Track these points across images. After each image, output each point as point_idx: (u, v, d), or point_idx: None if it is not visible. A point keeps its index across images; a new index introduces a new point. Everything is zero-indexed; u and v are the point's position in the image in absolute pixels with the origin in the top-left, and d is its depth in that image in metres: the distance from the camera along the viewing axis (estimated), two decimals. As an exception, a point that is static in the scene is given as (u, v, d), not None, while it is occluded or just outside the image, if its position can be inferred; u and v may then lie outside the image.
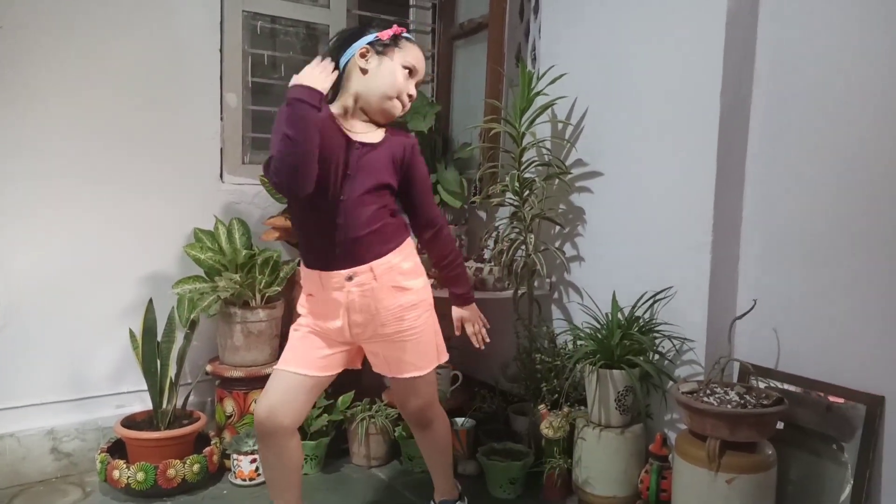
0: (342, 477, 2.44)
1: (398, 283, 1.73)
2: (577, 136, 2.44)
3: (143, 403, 2.48)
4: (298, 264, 1.96)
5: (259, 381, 2.48)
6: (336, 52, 1.74)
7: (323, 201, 1.65)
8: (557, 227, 2.52)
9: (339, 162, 1.65)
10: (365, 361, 1.88)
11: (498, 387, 2.66)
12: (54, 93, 2.37)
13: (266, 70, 2.97)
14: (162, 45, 2.56)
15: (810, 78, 1.89)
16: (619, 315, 2.17)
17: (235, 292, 2.42)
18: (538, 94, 2.38)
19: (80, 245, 2.44)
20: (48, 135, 2.37)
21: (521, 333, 2.45)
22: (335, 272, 1.68)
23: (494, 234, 2.53)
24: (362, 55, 1.71)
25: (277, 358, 2.56)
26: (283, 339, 2.60)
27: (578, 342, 2.26)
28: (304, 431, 2.41)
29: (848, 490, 1.78)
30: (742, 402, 1.77)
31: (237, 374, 2.47)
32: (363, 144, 1.69)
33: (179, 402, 2.43)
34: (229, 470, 2.38)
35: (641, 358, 2.06)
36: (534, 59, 2.75)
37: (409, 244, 1.79)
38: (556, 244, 2.51)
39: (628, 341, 2.09)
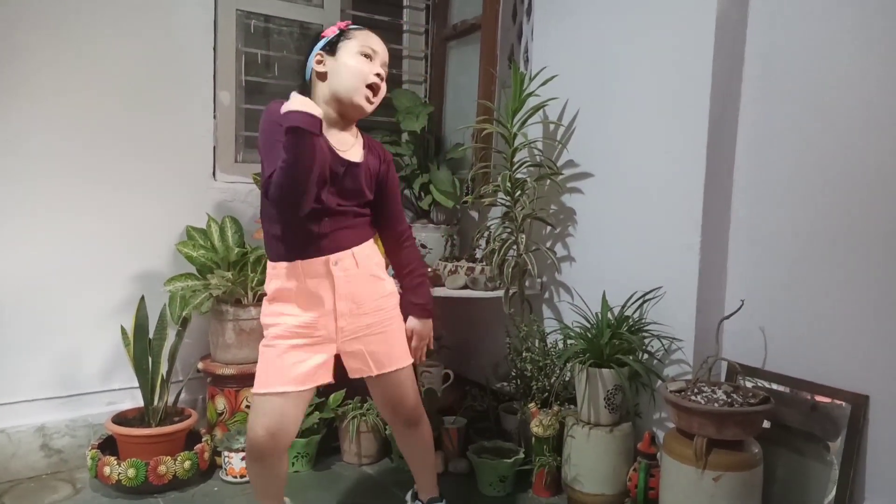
0: (333, 474, 2.45)
1: (375, 272, 1.78)
2: (569, 137, 2.46)
3: (134, 401, 2.48)
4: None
5: (251, 379, 2.46)
6: (301, 73, 1.79)
7: (315, 207, 1.66)
8: (548, 228, 2.54)
9: (332, 178, 1.68)
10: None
11: (489, 386, 2.68)
12: (47, 91, 2.37)
13: (259, 69, 2.97)
14: (156, 43, 2.57)
15: (799, 80, 1.91)
16: (609, 315, 2.19)
17: (227, 290, 2.43)
18: (530, 95, 2.40)
19: (72, 242, 2.44)
20: (40, 132, 2.37)
21: (512, 333, 2.46)
22: (318, 258, 1.68)
23: (486, 234, 2.55)
24: (318, 62, 1.73)
25: (269, 356, 2.60)
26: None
27: (568, 341, 2.28)
28: (295, 429, 2.42)
29: (833, 488, 1.80)
30: (729, 400, 1.79)
31: (229, 371, 2.47)
32: (349, 163, 1.71)
33: (171, 400, 2.43)
34: (220, 467, 2.39)
35: (631, 357, 2.08)
36: (526, 61, 2.77)
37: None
38: (547, 244, 2.53)
39: (618, 341, 2.11)
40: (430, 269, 2.55)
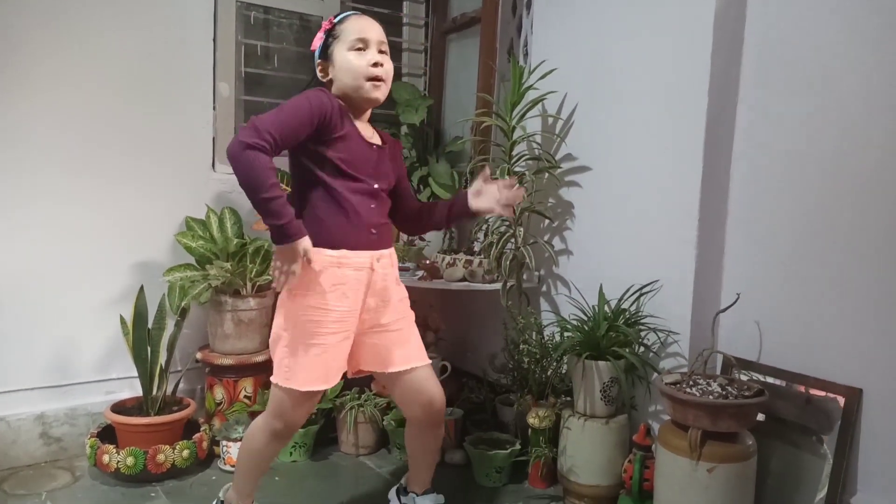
0: (331, 465, 2.47)
1: (397, 276, 1.84)
2: (567, 130, 2.47)
3: (132, 390, 2.50)
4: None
5: (249, 369, 2.51)
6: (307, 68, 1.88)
7: (364, 186, 1.72)
8: (546, 221, 2.55)
9: (369, 160, 1.74)
10: None
11: (486, 378, 2.69)
12: (47, 82, 2.38)
13: (259, 61, 2.98)
14: (155, 35, 2.57)
15: (796, 75, 1.92)
16: (606, 308, 2.20)
17: (226, 280, 2.44)
18: (529, 88, 2.40)
19: (71, 232, 2.45)
20: (40, 124, 2.38)
21: (510, 325, 2.48)
22: (366, 251, 1.72)
23: (484, 228, 2.56)
24: (320, 71, 1.78)
25: (267, 346, 2.61)
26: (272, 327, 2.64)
27: (565, 334, 2.29)
28: (293, 419, 2.44)
29: (826, 481, 1.82)
30: (724, 393, 1.80)
31: (227, 361, 2.49)
32: (378, 147, 1.78)
33: (169, 389, 2.44)
34: (218, 456, 2.40)
35: (627, 350, 2.10)
36: (525, 55, 2.78)
37: None
38: (545, 237, 2.54)
39: (614, 333, 2.12)
40: (427, 261, 2.57)
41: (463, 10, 3.17)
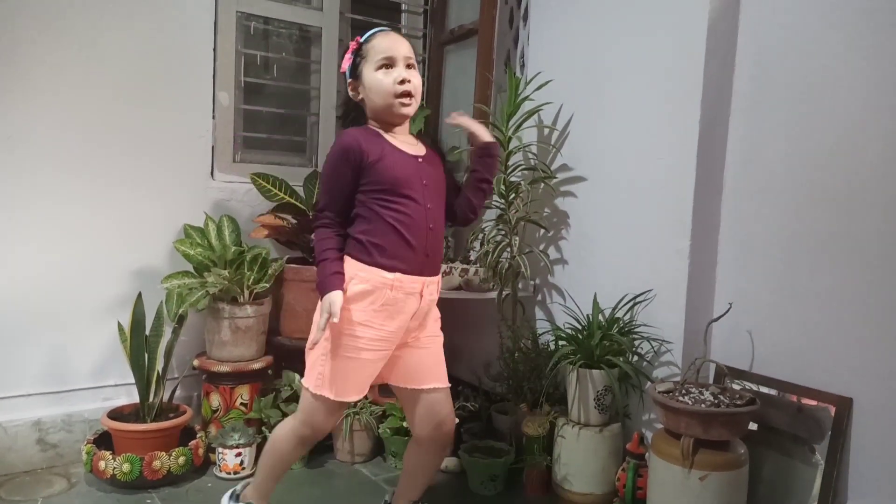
0: (326, 472, 2.48)
1: (436, 299, 1.85)
2: (563, 141, 2.50)
3: (129, 397, 2.50)
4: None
5: (246, 377, 2.52)
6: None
7: (416, 207, 1.73)
8: (542, 231, 2.58)
9: (414, 173, 1.74)
10: None
11: (481, 386, 2.71)
12: (47, 89, 2.40)
13: (258, 70, 3.01)
14: (156, 43, 2.59)
15: (789, 86, 1.95)
16: (600, 317, 2.23)
17: (224, 288, 2.45)
18: (525, 99, 2.43)
19: (71, 239, 2.47)
20: (41, 130, 2.40)
21: (505, 334, 2.49)
22: (417, 277, 1.73)
23: (480, 237, 2.58)
24: (351, 90, 1.81)
25: (264, 354, 2.62)
26: (269, 334, 2.65)
27: (560, 342, 2.31)
28: (289, 426, 2.45)
29: (817, 489, 1.83)
30: (716, 402, 1.82)
31: (224, 368, 2.49)
32: (420, 157, 1.79)
33: (166, 396, 2.45)
34: (214, 463, 2.41)
35: (621, 359, 2.11)
36: (522, 66, 2.81)
37: None
38: (541, 247, 2.56)
39: (608, 342, 2.14)
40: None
41: (461, 21, 3.20)
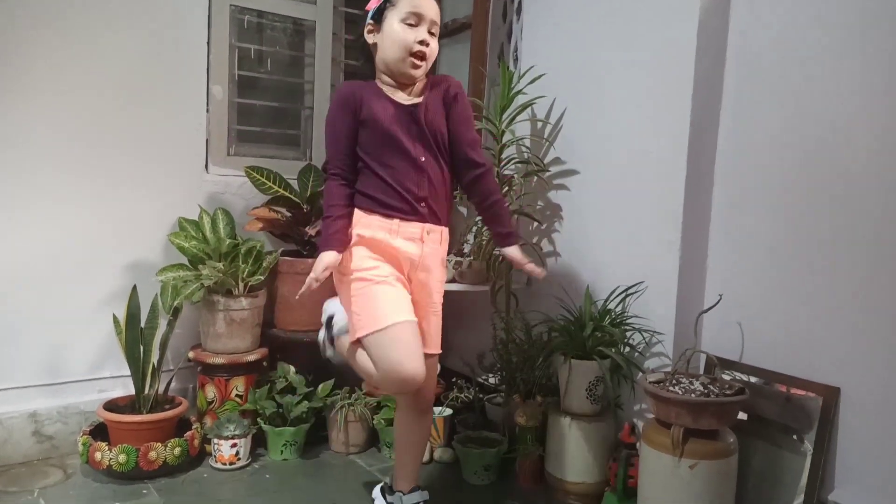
0: (321, 463, 2.50)
1: (444, 258, 1.89)
2: (556, 135, 2.52)
3: (125, 389, 2.51)
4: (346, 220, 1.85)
5: (241, 368, 2.53)
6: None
7: (408, 160, 1.77)
8: (535, 223, 2.59)
9: (406, 127, 1.77)
10: None
11: (474, 377, 2.72)
12: (42, 83, 2.40)
13: (252, 64, 3.01)
14: (150, 37, 2.60)
15: (779, 81, 1.97)
16: (592, 308, 2.24)
17: (219, 280, 2.47)
18: (518, 93, 2.45)
19: (65, 233, 2.48)
20: (35, 124, 2.40)
21: (498, 325, 2.51)
22: (416, 222, 1.78)
23: (474, 229, 2.60)
24: (368, 31, 1.82)
25: (259, 346, 2.64)
26: (264, 327, 2.67)
27: (553, 334, 2.33)
28: (283, 418, 2.47)
29: (805, 478, 1.86)
30: (706, 392, 1.85)
31: (219, 360, 2.51)
32: (414, 106, 1.79)
33: (161, 388, 2.46)
34: (210, 454, 2.43)
35: (612, 350, 2.14)
36: (515, 60, 2.82)
37: None
38: (534, 240, 2.58)
39: (600, 333, 2.16)
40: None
41: (454, 15, 3.21)
